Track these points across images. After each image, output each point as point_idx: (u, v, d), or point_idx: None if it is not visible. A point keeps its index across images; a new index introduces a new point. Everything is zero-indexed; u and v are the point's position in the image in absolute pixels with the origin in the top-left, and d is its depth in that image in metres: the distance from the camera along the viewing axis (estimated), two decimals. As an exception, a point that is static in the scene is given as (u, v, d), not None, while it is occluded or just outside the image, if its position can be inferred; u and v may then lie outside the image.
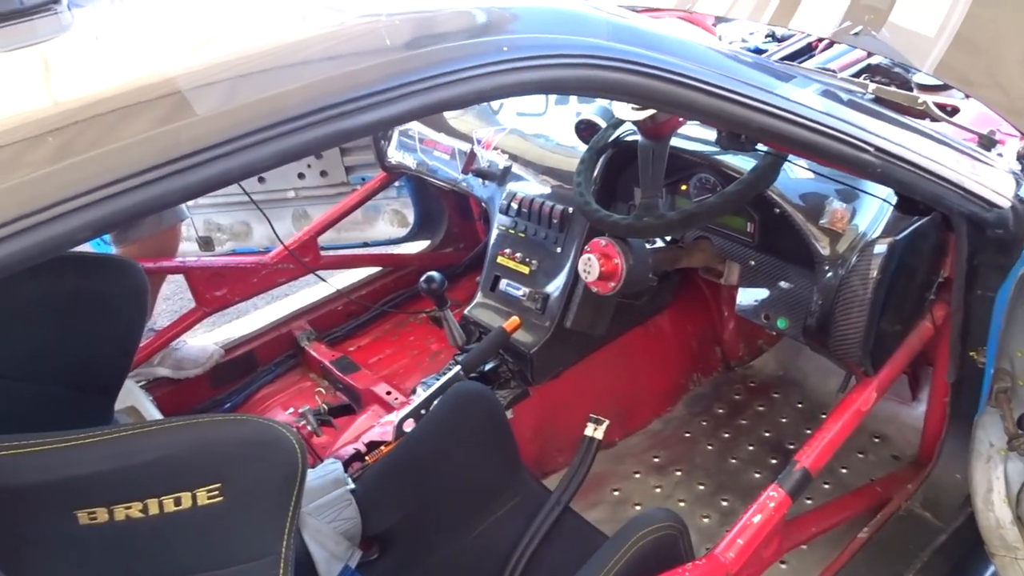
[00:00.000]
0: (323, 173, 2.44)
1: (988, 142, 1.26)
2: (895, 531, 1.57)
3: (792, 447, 1.96)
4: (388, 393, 2.02)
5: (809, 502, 1.76)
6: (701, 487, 1.90)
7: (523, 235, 1.76)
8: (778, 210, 1.35)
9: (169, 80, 0.64)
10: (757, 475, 1.91)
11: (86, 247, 2.12)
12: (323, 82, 0.67)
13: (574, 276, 1.60)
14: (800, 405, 2.09)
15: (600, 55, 0.81)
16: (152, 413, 1.80)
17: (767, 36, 1.86)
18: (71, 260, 1.26)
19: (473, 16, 0.77)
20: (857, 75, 1.53)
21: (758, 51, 1.77)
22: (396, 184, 2.42)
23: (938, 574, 1.50)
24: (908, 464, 1.74)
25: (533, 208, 1.73)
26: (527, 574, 1.30)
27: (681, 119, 1.20)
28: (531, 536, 1.33)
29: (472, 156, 1.95)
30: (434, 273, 1.67)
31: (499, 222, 1.82)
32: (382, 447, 1.50)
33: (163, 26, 0.91)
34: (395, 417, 1.53)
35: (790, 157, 1.27)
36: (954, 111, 1.44)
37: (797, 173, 1.36)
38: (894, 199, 1.26)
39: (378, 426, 1.72)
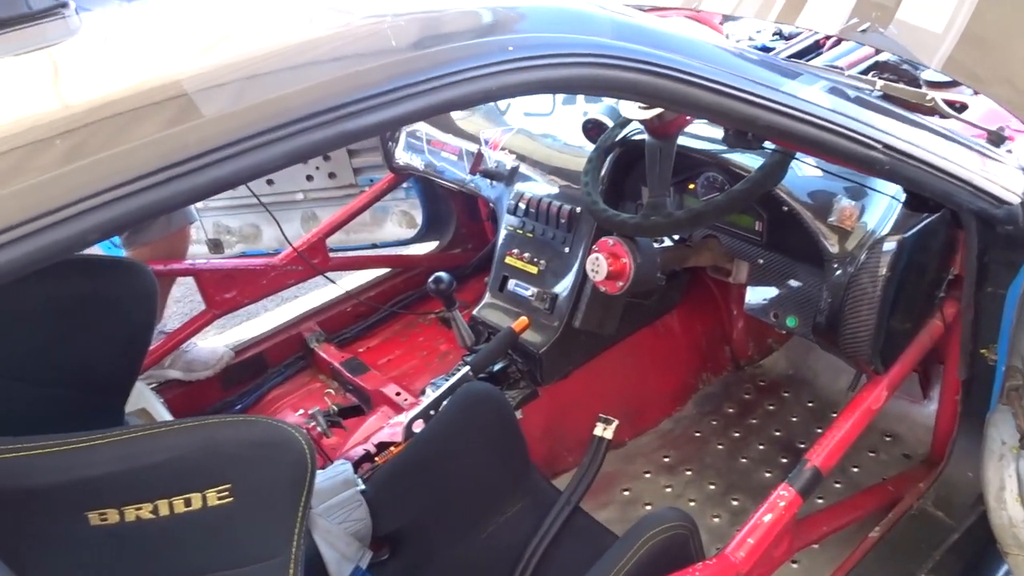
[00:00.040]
0: (331, 175, 2.45)
1: (997, 138, 1.25)
2: (907, 530, 1.56)
3: (803, 446, 1.95)
4: (397, 394, 2.02)
5: (820, 501, 1.75)
6: (711, 487, 1.89)
7: (531, 235, 1.76)
8: (786, 208, 1.35)
9: (176, 82, 0.64)
10: (768, 474, 1.90)
11: (96, 250, 2.15)
12: (329, 83, 0.68)
13: (582, 276, 1.60)
14: (810, 404, 2.08)
15: (606, 54, 0.81)
16: (163, 415, 1.81)
17: (774, 34, 1.85)
18: (82, 263, 1.27)
19: (478, 16, 0.77)
20: (865, 72, 1.52)
21: (765, 49, 1.76)
22: (404, 185, 2.43)
23: (951, 573, 1.49)
24: (920, 463, 1.73)
25: (541, 208, 1.73)
26: (537, 574, 1.30)
27: (688, 118, 1.20)
28: (541, 536, 1.33)
29: (479, 157, 1.95)
30: (442, 274, 1.67)
31: (507, 222, 1.82)
32: (392, 448, 1.50)
33: (170, 29, 0.91)
34: (404, 418, 1.53)
35: (798, 155, 1.26)
36: (963, 107, 1.43)
37: (805, 171, 1.36)
38: (903, 196, 1.26)
39: (388, 427, 1.72)
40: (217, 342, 2.28)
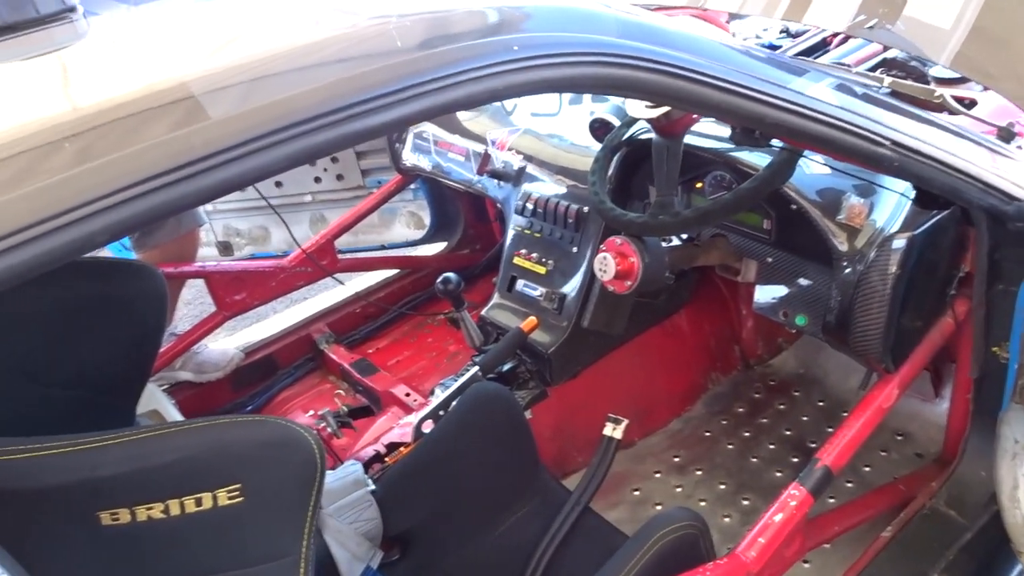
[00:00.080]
0: (339, 177, 2.45)
1: (1007, 135, 1.24)
2: (919, 530, 1.55)
3: (813, 445, 1.94)
4: (407, 395, 2.03)
5: (832, 501, 1.75)
6: (722, 486, 1.89)
7: (539, 235, 1.76)
8: (795, 206, 1.34)
9: (183, 85, 0.65)
10: (778, 474, 1.89)
11: (107, 252, 2.16)
12: (335, 84, 0.68)
13: (590, 275, 1.60)
14: (821, 403, 2.07)
15: (612, 52, 0.81)
16: (174, 416, 1.82)
17: (781, 32, 1.85)
18: (92, 265, 1.28)
19: (483, 15, 0.77)
20: (873, 69, 1.52)
21: (772, 47, 1.76)
22: (412, 186, 2.43)
23: (964, 573, 1.48)
24: (932, 462, 1.72)
25: (548, 208, 1.73)
26: (548, 574, 1.30)
27: (695, 116, 1.19)
28: (551, 536, 1.33)
29: (487, 157, 1.95)
30: (450, 274, 1.68)
31: (515, 223, 1.82)
32: (401, 448, 1.51)
33: (177, 32, 0.92)
34: (414, 418, 1.54)
35: (806, 153, 1.26)
36: (972, 104, 1.42)
37: (813, 169, 1.35)
38: (912, 193, 1.25)
39: (397, 427, 1.73)
40: (227, 344, 2.29)
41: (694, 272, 1.88)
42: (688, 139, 1.25)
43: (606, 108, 1.54)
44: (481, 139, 1.99)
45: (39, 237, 0.57)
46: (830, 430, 1.95)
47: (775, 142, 1.16)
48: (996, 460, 1.33)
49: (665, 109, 1.14)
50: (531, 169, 1.85)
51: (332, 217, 2.45)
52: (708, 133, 1.45)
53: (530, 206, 1.77)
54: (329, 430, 1.88)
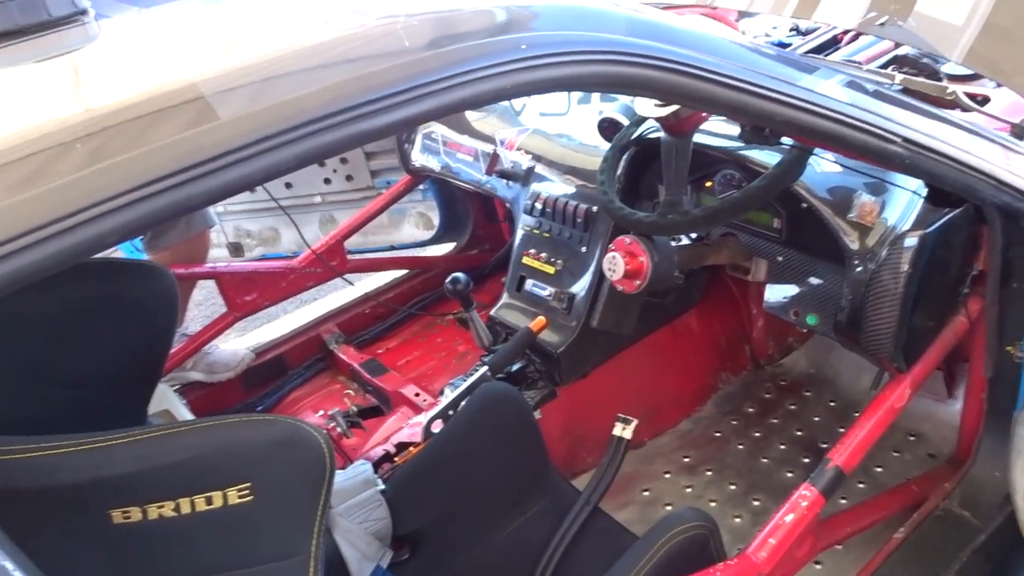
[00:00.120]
0: (349, 178, 2.46)
1: (1021, 131, 1.23)
2: (933, 531, 1.53)
3: (825, 446, 1.93)
4: (416, 395, 2.03)
5: (843, 502, 1.74)
6: (732, 487, 1.88)
7: (548, 235, 1.75)
8: (805, 205, 1.34)
9: (192, 86, 0.65)
10: (789, 474, 1.88)
11: (119, 254, 2.17)
12: (342, 84, 0.68)
13: (599, 275, 1.60)
14: (832, 403, 2.06)
15: (620, 51, 0.80)
16: (185, 416, 1.83)
17: (791, 30, 1.84)
18: (104, 266, 1.29)
19: (491, 15, 0.77)
20: (884, 67, 1.51)
21: (782, 45, 1.75)
22: (421, 187, 2.44)
23: (978, 575, 1.47)
24: (945, 462, 1.70)
25: (557, 208, 1.72)
26: (557, 574, 1.29)
27: (704, 114, 1.19)
28: (561, 536, 1.33)
29: (495, 157, 1.95)
30: (459, 274, 1.68)
31: (523, 222, 1.82)
32: (411, 448, 1.51)
33: (186, 34, 0.92)
34: (423, 418, 1.54)
35: (816, 150, 1.25)
36: (985, 100, 1.41)
37: (824, 167, 1.34)
38: (924, 191, 1.24)
39: (407, 427, 1.73)
40: (238, 344, 2.30)
41: (704, 271, 1.87)
42: (697, 138, 1.25)
43: (615, 107, 1.53)
44: (490, 139, 1.99)
45: (50, 238, 0.57)
46: (842, 430, 1.94)
47: (785, 140, 1.15)
48: (1010, 460, 1.32)
49: (674, 107, 1.13)
50: (540, 169, 1.85)
51: (342, 218, 2.45)
52: (718, 132, 1.45)
53: (539, 206, 1.77)
54: (339, 430, 1.88)
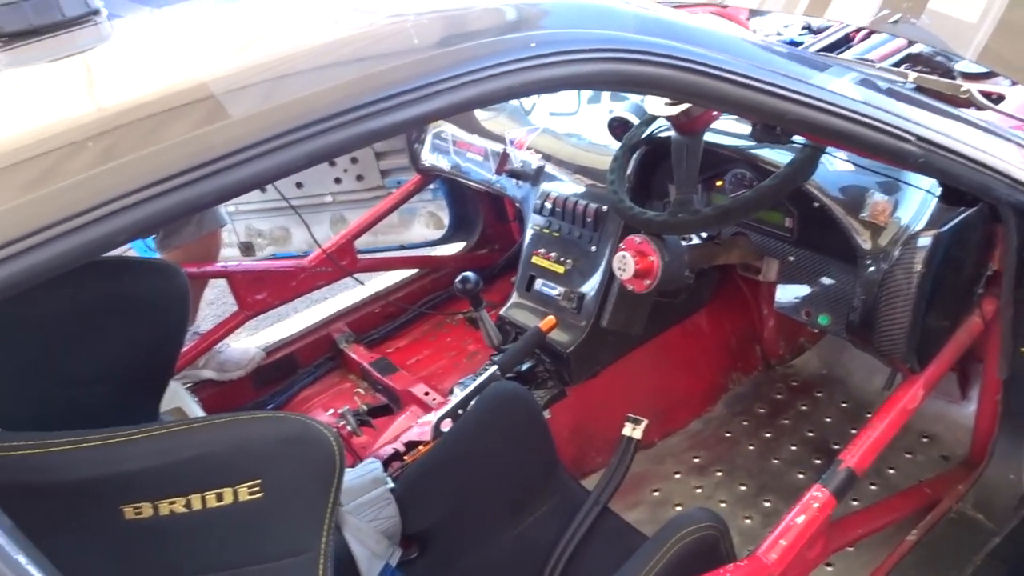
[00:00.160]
0: (359, 177, 2.47)
1: (1037, 129, 1.22)
2: (946, 533, 1.52)
3: (836, 447, 1.91)
4: (426, 394, 2.03)
5: (855, 503, 1.72)
6: (743, 488, 1.87)
7: (558, 234, 1.75)
8: (817, 204, 1.33)
9: (203, 85, 0.65)
10: (800, 476, 1.87)
11: (131, 253, 2.19)
12: (352, 83, 0.68)
13: (609, 275, 1.59)
14: (844, 404, 2.05)
15: (630, 49, 0.80)
16: (197, 414, 1.84)
17: (803, 28, 1.82)
18: (117, 264, 1.30)
19: (501, 13, 0.77)
20: (897, 65, 1.49)
21: (794, 44, 1.74)
22: (431, 187, 2.44)
23: (992, 578, 1.46)
24: (958, 464, 1.69)
25: (567, 207, 1.72)
26: (566, 574, 1.29)
27: (715, 113, 1.18)
28: (570, 536, 1.33)
29: (505, 157, 1.95)
30: (469, 273, 1.68)
31: (533, 222, 1.82)
32: (420, 447, 1.51)
33: (198, 33, 0.93)
34: (433, 417, 1.54)
35: (829, 149, 1.24)
36: (999, 99, 1.39)
37: (836, 165, 1.33)
38: (938, 190, 1.23)
39: (416, 426, 1.73)
40: (249, 343, 2.31)
41: (714, 271, 1.86)
42: (708, 136, 1.24)
43: (625, 106, 1.53)
44: (500, 139, 1.99)
45: (62, 235, 0.58)
46: (853, 432, 1.92)
47: (797, 139, 1.15)
48: (1025, 462, 1.30)
49: (685, 106, 1.13)
50: (550, 168, 1.85)
51: (352, 217, 2.46)
52: (728, 130, 1.44)
53: (549, 205, 1.77)
54: (349, 428, 1.89)
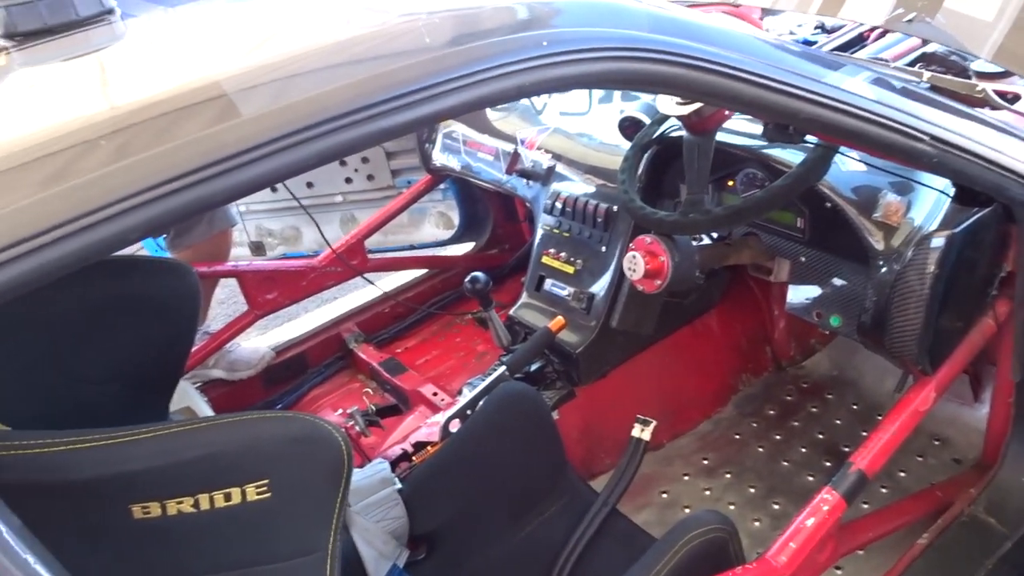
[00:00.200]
0: (370, 177, 2.47)
1: (1053, 130, 1.20)
2: (957, 537, 1.51)
3: (847, 449, 1.90)
4: (435, 394, 2.03)
5: (865, 506, 1.71)
6: (752, 490, 1.86)
7: (568, 235, 1.75)
8: (829, 204, 1.32)
9: (215, 83, 0.65)
10: (810, 478, 1.86)
11: (143, 252, 2.20)
12: (364, 81, 0.68)
13: (619, 275, 1.59)
14: (855, 406, 2.03)
15: (642, 47, 0.80)
16: (206, 413, 1.84)
17: (816, 27, 1.81)
18: (129, 263, 1.30)
19: (512, 12, 0.77)
20: (911, 64, 1.48)
21: (807, 43, 1.73)
22: (441, 187, 2.44)
23: (1004, 582, 1.45)
24: (971, 467, 1.67)
25: (577, 207, 1.72)
26: (575, 575, 1.29)
27: (727, 112, 1.18)
28: (578, 537, 1.32)
29: (516, 157, 1.95)
30: (478, 273, 1.67)
31: (543, 222, 1.82)
32: (429, 447, 1.51)
33: (210, 32, 0.93)
34: (441, 418, 1.54)
35: (841, 149, 1.23)
36: (1015, 98, 1.38)
37: (849, 165, 1.32)
38: (952, 190, 1.22)
39: (425, 426, 1.73)
40: (259, 343, 2.32)
41: (725, 271, 1.85)
42: (719, 136, 1.24)
43: (636, 106, 1.52)
44: (510, 138, 1.99)
45: (75, 234, 0.58)
46: (864, 434, 1.91)
47: (809, 138, 1.14)
48: (1039, 466, 1.29)
49: (696, 105, 1.12)
50: (560, 168, 1.84)
51: (362, 217, 2.46)
52: (740, 130, 1.43)
53: (559, 205, 1.76)
54: (357, 428, 1.89)
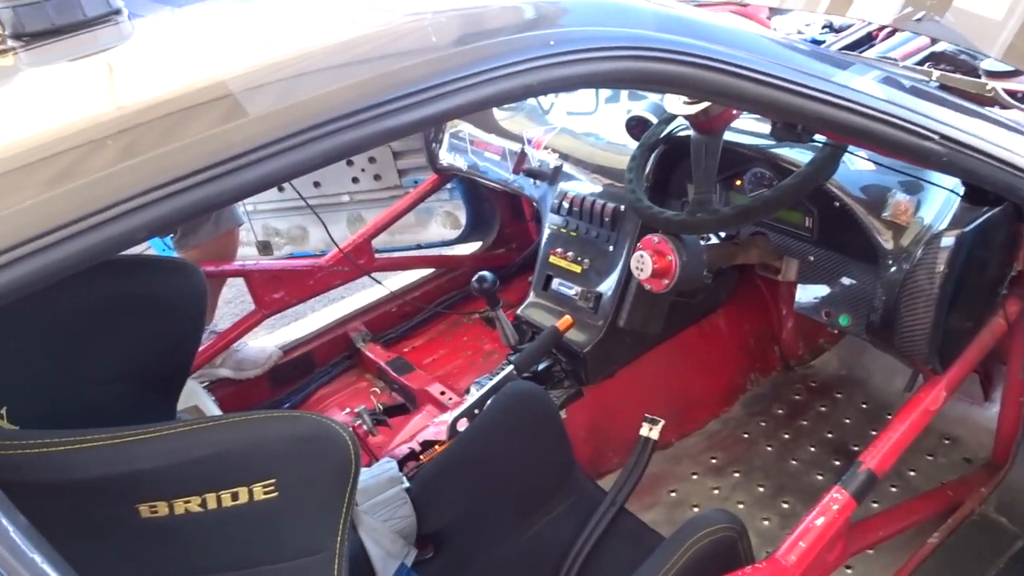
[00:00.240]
0: (377, 177, 2.47)
1: (1064, 128, 1.19)
2: (968, 536, 1.50)
3: (856, 449, 1.89)
4: (442, 393, 2.03)
5: (875, 505, 1.70)
6: (760, 489, 1.85)
7: (575, 234, 1.75)
8: (838, 203, 1.31)
9: (221, 83, 0.66)
10: (819, 477, 1.85)
11: (150, 252, 2.20)
12: (370, 80, 0.68)
13: (627, 274, 1.59)
14: (864, 405, 2.02)
15: (649, 46, 0.80)
16: (214, 412, 1.85)
17: (824, 27, 1.80)
18: (136, 262, 1.31)
19: (519, 10, 0.77)
20: (921, 63, 1.47)
21: (815, 42, 1.72)
22: (448, 186, 2.44)
23: (1015, 583, 1.44)
24: (981, 467, 1.67)
25: (585, 207, 1.72)
26: (582, 575, 1.29)
27: (735, 112, 1.17)
28: (586, 537, 1.32)
29: (523, 156, 1.94)
30: (486, 273, 1.67)
31: (551, 221, 1.81)
32: (436, 446, 1.51)
33: (217, 32, 0.93)
34: (449, 417, 1.54)
35: (850, 148, 1.23)
36: (1026, 97, 1.37)
37: (857, 164, 1.32)
38: (961, 190, 1.21)
39: (432, 425, 1.73)
40: (266, 342, 2.32)
41: (733, 271, 1.85)
42: (727, 135, 1.23)
43: (643, 105, 1.52)
44: (517, 138, 1.99)
45: (82, 233, 0.58)
46: (873, 433, 1.91)
47: (818, 137, 1.13)
48: (1050, 466, 1.28)
49: (704, 105, 1.12)
50: (567, 168, 1.84)
51: (369, 217, 2.46)
52: (748, 129, 1.43)
53: (566, 205, 1.76)
54: (365, 427, 1.89)
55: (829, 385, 2.11)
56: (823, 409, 2.05)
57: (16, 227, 0.56)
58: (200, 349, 1.86)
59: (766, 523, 1.76)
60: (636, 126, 1.53)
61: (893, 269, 1.24)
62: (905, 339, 1.26)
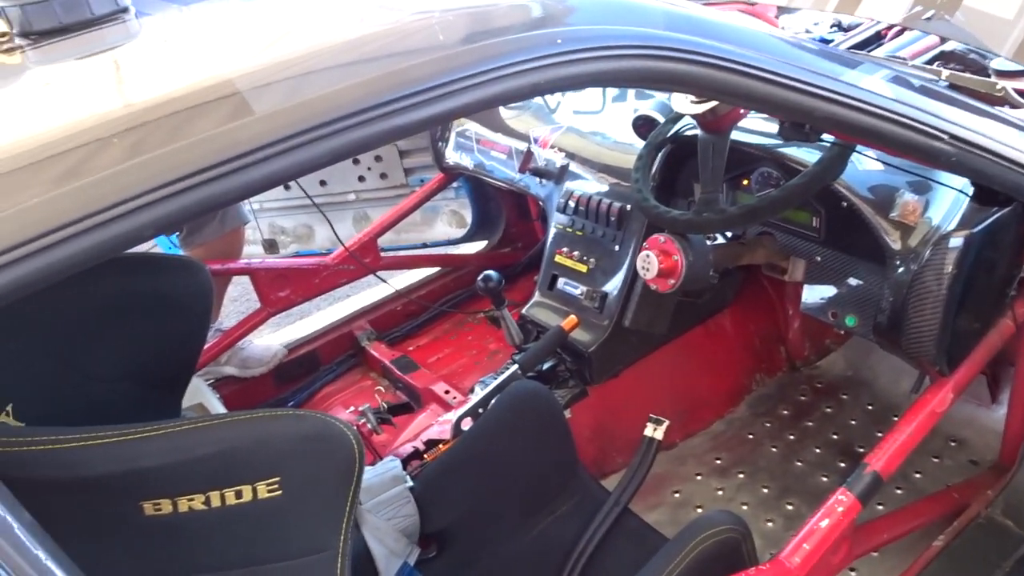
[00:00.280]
0: (383, 175, 2.47)
1: (1074, 128, 1.19)
2: (974, 539, 1.49)
3: (861, 450, 1.89)
4: (446, 392, 2.03)
5: (880, 508, 1.69)
6: (765, 490, 1.85)
7: (581, 233, 1.74)
8: (845, 203, 1.31)
9: (228, 81, 0.65)
10: (824, 479, 1.85)
11: (156, 250, 2.21)
12: (377, 79, 0.68)
13: (633, 274, 1.58)
14: (870, 407, 2.02)
15: (657, 45, 0.79)
16: (218, 410, 1.85)
17: (833, 26, 1.80)
18: (142, 260, 1.31)
19: (526, 9, 0.77)
20: (930, 62, 1.47)
21: (824, 41, 1.71)
22: (454, 185, 2.44)
23: (1021, 586, 1.43)
24: (988, 469, 1.66)
25: (591, 206, 1.71)
26: (585, 575, 1.28)
27: (742, 111, 1.17)
28: (590, 536, 1.32)
29: (529, 155, 1.94)
30: (491, 272, 1.67)
31: (556, 221, 1.81)
32: (440, 445, 1.51)
33: (224, 31, 0.93)
34: (453, 416, 1.54)
35: (858, 147, 1.22)
36: (1036, 97, 1.36)
37: (865, 164, 1.31)
38: (970, 190, 1.20)
39: (436, 424, 1.73)
40: (271, 340, 2.33)
41: (739, 271, 1.84)
42: (734, 135, 1.23)
43: (650, 104, 1.51)
44: (524, 137, 1.98)
45: (88, 231, 0.58)
46: (879, 435, 1.89)
47: (826, 137, 1.13)
48: (1057, 469, 1.28)
49: (711, 104, 1.11)
50: (574, 167, 1.84)
51: (375, 215, 2.47)
52: (755, 129, 1.42)
53: (572, 204, 1.76)
54: (369, 426, 1.89)
55: (835, 386, 2.11)
56: (829, 410, 2.04)
57: (23, 225, 0.56)
58: (205, 347, 1.86)
59: (770, 525, 1.76)
60: (643, 125, 1.52)
61: (901, 270, 1.24)
62: (912, 340, 1.25)
